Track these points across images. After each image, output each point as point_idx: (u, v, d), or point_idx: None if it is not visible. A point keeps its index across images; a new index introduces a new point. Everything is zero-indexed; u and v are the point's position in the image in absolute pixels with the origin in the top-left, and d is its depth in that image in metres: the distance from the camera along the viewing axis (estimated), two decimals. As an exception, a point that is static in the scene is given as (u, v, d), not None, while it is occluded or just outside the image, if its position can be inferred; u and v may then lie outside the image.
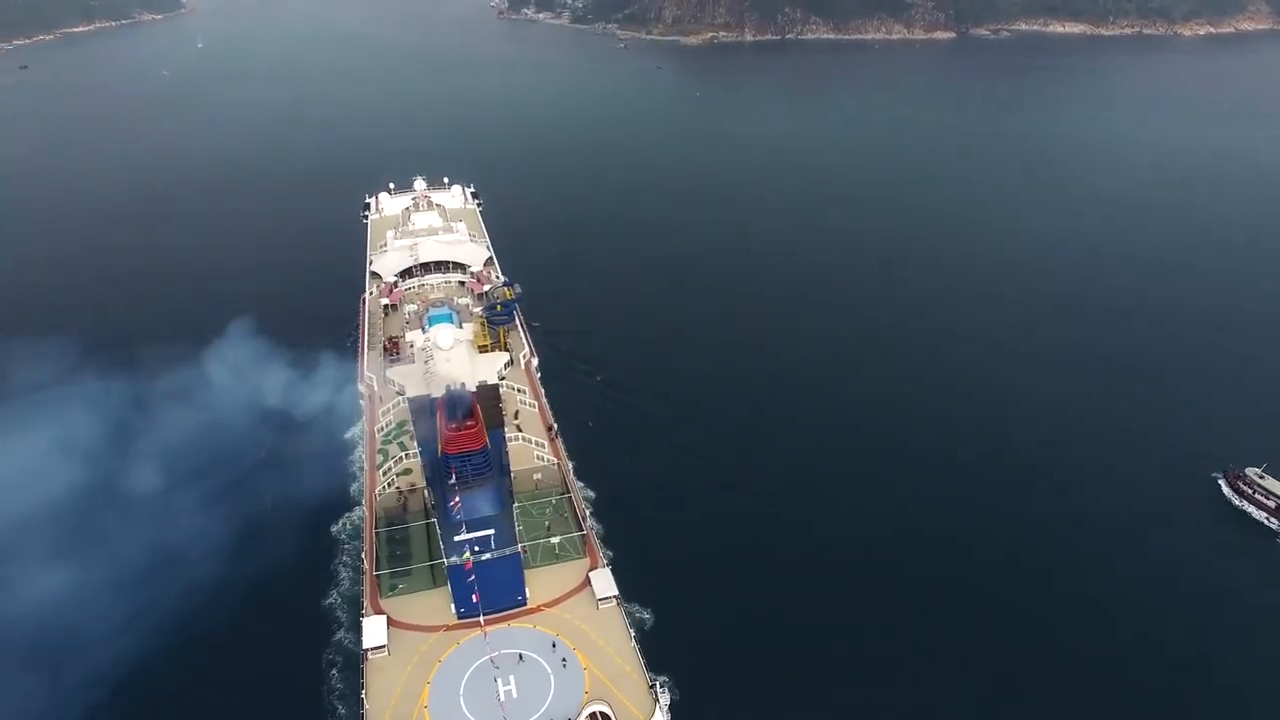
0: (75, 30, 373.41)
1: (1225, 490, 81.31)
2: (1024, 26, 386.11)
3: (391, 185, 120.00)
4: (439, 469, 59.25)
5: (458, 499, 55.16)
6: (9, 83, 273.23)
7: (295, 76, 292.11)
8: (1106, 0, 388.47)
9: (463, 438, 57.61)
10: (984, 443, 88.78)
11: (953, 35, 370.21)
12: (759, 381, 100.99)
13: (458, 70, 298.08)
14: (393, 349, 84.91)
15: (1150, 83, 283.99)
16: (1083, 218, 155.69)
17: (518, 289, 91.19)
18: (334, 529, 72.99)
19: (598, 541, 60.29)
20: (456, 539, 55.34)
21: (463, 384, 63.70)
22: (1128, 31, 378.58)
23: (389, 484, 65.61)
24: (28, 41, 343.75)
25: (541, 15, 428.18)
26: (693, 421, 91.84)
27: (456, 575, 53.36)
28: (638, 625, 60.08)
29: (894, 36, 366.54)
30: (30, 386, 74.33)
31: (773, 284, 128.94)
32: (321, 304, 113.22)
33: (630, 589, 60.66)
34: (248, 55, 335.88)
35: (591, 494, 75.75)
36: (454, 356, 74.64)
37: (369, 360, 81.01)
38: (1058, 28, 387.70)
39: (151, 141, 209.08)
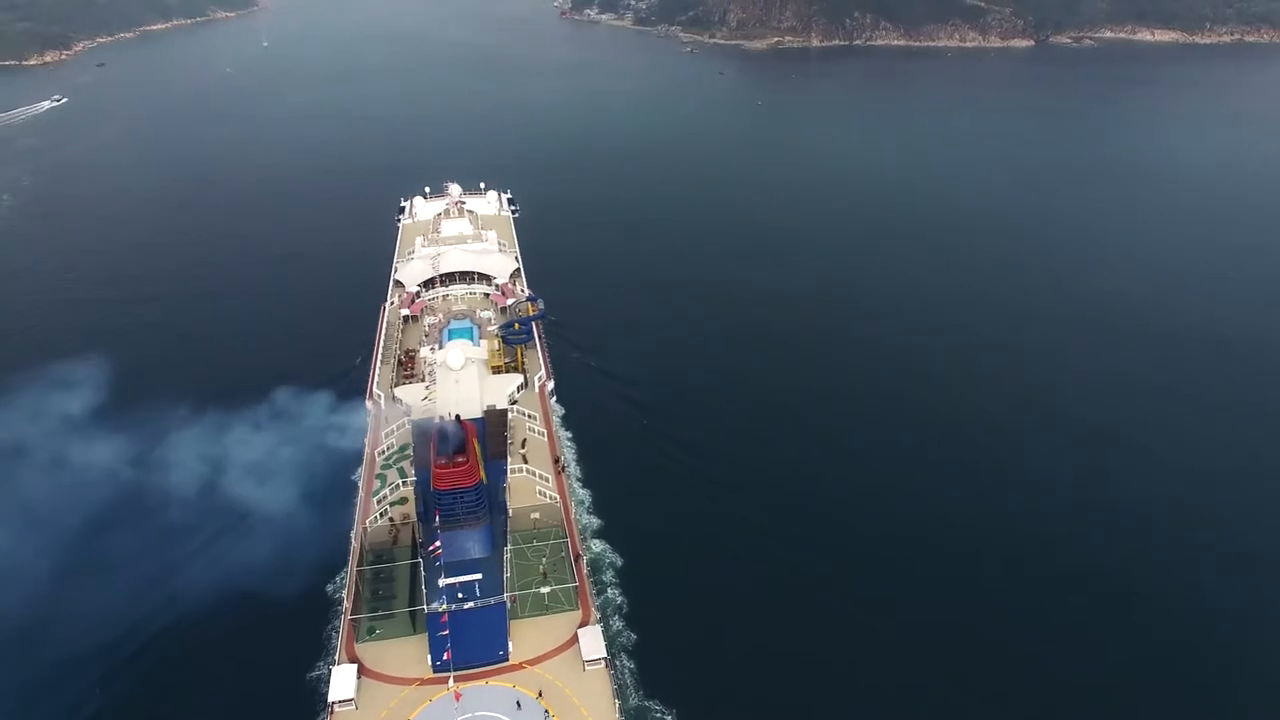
0: (153, 28, 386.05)
1: None
2: (1109, 34, 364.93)
3: (427, 189, 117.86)
4: (431, 504, 55.40)
5: (437, 543, 51.04)
6: (86, 80, 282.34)
7: (352, 75, 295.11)
8: (1203, 5, 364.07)
9: (454, 474, 53.56)
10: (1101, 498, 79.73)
11: (1031, 43, 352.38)
12: (824, 434, 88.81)
13: (514, 72, 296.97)
14: (408, 363, 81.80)
15: (1256, 99, 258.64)
16: (1181, 256, 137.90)
17: (540, 305, 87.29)
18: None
19: (593, 593, 55.52)
20: (441, 583, 51.37)
21: (456, 416, 59.52)
22: (1226, 39, 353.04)
23: (382, 513, 62.02)
24: (109, 39, 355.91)
25: (604, 16, 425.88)
26: (746, 475, 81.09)
27: (435, 624, 49.41)
28: (625, 695, 54.30)
29: (968, 44, 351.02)
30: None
31: (837, 309, 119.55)
32: (352, 312, 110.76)
33: (627, 653, 56.76)
34: (309, 53, 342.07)
35: (613, 553, 69.00)
36: (463, 378, 70.50)
37: (380, 375, 78.04)
38: (1147, 36, 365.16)
39: (205, 138, 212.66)
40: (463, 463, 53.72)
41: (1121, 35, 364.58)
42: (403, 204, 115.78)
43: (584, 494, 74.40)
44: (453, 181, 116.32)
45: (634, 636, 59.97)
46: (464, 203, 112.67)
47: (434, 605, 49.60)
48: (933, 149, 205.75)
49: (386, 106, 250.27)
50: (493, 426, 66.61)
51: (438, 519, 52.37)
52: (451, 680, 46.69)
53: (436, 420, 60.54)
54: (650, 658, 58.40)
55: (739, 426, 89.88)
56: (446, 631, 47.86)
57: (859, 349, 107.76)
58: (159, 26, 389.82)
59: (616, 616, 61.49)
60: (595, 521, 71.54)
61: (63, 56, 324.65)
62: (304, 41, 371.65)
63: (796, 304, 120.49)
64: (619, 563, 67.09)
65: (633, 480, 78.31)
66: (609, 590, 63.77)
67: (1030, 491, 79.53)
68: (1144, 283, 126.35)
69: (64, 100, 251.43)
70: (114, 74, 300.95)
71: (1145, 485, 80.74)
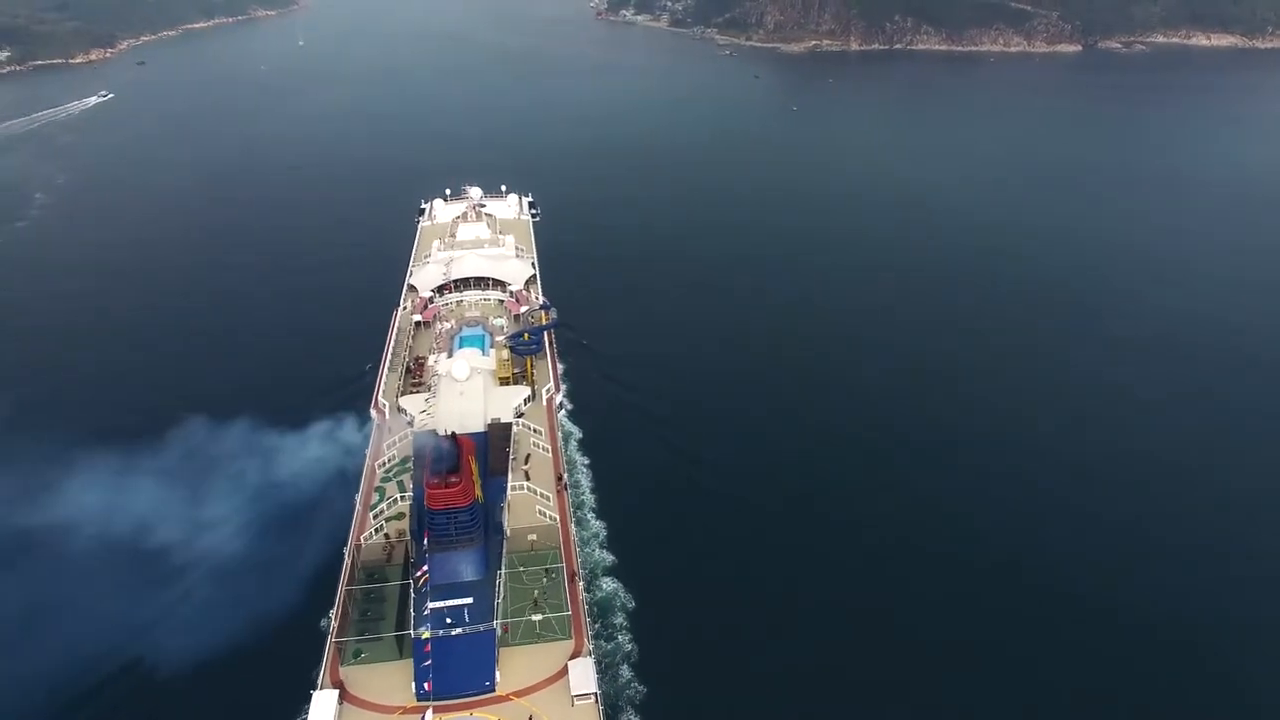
0: (195, 27, 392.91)
1: None
2: (1162, 39, 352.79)
3: (448, 191, 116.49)
4: (424, 522, 53.35)
5: (425, 569, 48.92)
6: (127, 79, 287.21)
7: (384, 74, 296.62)
8: (1265, 8, 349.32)
9: (447, 494, 51.43)
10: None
11: (1078, 48, 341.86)
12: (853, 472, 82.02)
13: (546, 74, 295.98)
14: (417, 371, 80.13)
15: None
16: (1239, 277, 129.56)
17: (553, 314, 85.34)
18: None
19: (587, 622, 52.89)
20: (429, 606, 49.41)
21: (451, 433, 57.32)
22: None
23: (378, 529, 60.21)
24: (152, 37, 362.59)
25: (640, 17, 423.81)
26: (786, 512, 74.50)
27: (420, 650, 47.45)
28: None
29: (1012, 49, 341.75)
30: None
31: (870, 327, 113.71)
32: (369, 315, 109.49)
33: (634, 707, 54.36)
34: (344, 53, 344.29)
35: (625, 594, 63.99)
36: (468, 389, 68.69)
37: (386, 383, 76.41)
38: (1202, 40, 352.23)
39: (233, 136, 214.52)
40: (456, 482, 51.49)
41: (1175, 40, 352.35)
42: (423, 206, 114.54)
43: (597, 526, 70.49)
44: (474, 184, 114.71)
45: (642, 690, 55.92)
46: (484, 206, 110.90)
47: (420, 630, 47.71)
48: (975, 159, 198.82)
49: (415, 105, 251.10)
50: (495, 441, 64.48)
51: (426, 540, 50.32)
52: (430, 713, 44.49)
53: (434, 435, 58.60)
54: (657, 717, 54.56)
55: (776, 451, 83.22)
56: (429, 662, 45.81)
57: (903, 368, 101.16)
58: (201, 25, 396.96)
59: (625, 665, 57.66)
60: (608, 558, 66.93)
61: (107, 55, 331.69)
62: (339, 40, 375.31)
63: (838, 317, 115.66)
64: (631, 605, 62.38)
65: (653, 513, 72.96)
66: (618, 636, 59.89)
67: (1103, 527, 74.81)
68: (1208, 300, 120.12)
69: (110, 96, 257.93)
70: (152, 72, 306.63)
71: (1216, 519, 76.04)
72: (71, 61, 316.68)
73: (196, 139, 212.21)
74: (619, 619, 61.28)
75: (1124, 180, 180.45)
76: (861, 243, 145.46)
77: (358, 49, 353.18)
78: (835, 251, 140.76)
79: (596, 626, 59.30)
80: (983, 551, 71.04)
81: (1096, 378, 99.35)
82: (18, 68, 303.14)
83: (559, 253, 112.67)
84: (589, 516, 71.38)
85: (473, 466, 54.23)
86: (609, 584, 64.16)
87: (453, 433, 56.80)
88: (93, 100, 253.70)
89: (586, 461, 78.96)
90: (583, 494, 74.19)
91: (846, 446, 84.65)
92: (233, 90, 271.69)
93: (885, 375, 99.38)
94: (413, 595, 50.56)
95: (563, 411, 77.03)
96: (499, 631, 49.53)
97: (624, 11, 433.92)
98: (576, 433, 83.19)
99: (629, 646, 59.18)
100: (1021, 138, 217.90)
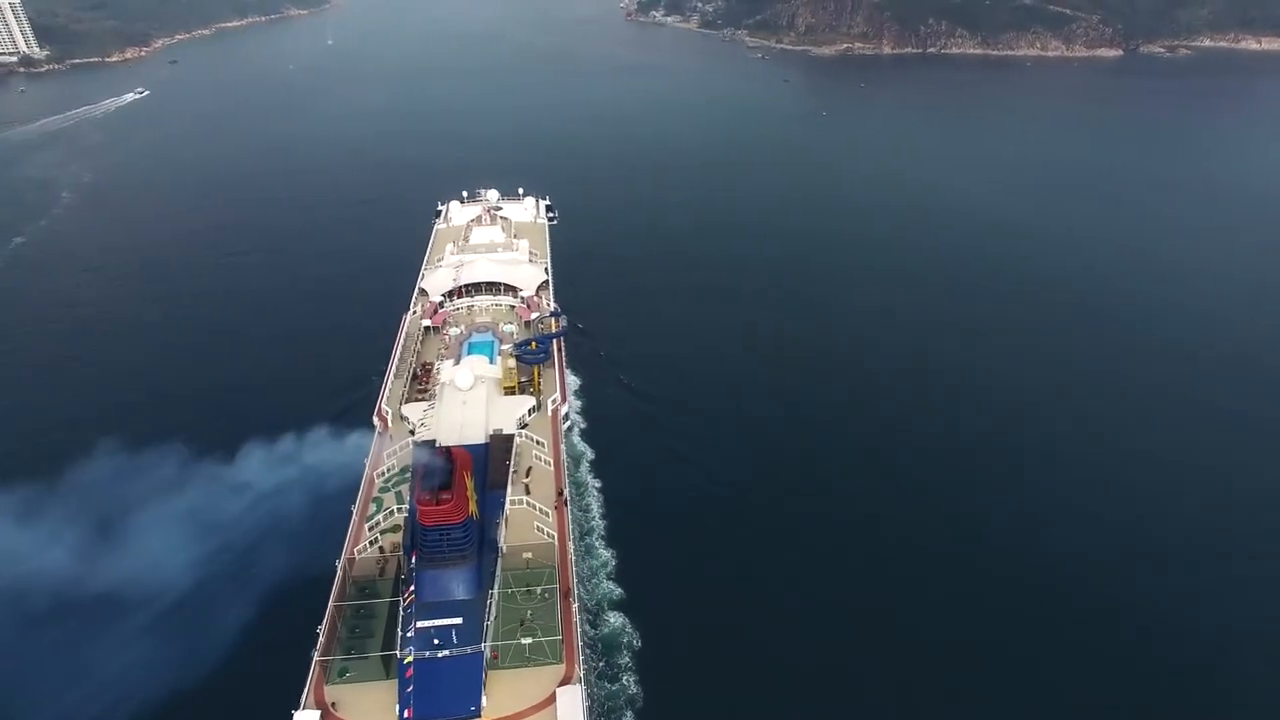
0: (229, 25, 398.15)
1: None
2: (1209, 43, 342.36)
3: (464, 193, 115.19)
4: (418, 538, 51.52)
5: (411, 589, 47.07)
6: (160, 78, 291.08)
7: (411, 73, 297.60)
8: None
9: (438, 511, 49.53)
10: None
11: (1119, 53, 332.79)
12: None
13: (574, 74, 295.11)
14: (423, 377, 78.53)
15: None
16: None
17: (563, 321, 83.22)
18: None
19: (580, 646, 50.62)
20: (418, 625, 47.57)
21: (446, 449, 55.32)
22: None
23: (372, 541, 58.51)
24: (186, 36, 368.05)
25: (670, 19, 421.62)
26: (811, 552, 69.39)
27: (404, 672, 45.64)
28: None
29: (1049, 54, 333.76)
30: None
31: (883, 330, 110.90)
32: (382, 319, 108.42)
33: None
34: (372, 52, 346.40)
35: (632, 630, 60.42)
36: (470, 399, 66.87)
37: (391, 390, 74.86)
38: (1252, 44, 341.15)
39: (259, 135, 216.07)
40: (448, 499, 49.54)
41: (1223, 44, 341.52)
42: (440, 207, 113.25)
43: (606, 555, 67.47)
44: (492, 186, 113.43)
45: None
46: (500, 209, 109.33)
47: (404, 653, 45.89)
48: (1009, 167, 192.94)
49: (440, 105, 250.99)
50: (496, 454, 62.55)
51: (414, 558, 48.50)
52: None
53: (428, 448, 56.68)
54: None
55: (803, 475, 78.56)
56: (411, 688, 43.93)
57: (940, 391, 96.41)
58: (235, 24, 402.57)
59: (628, 713, 54.80)
60: (615, 590, 63.70)
61: (142, 53, 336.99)
62: (368, 39, 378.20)
63: (858, 322, 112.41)
64: (637, 643, 59.01)
65: (666, 543, 68.97)
66: (623, 677, 56.93)
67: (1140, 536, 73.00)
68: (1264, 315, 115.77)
69: (146, 93, 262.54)
70: (182, 71, 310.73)
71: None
72: (108, 60, 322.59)
73: (220, 139, 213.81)
74: (624, 658, 58.08)
75: (1159, 186, 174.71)
76: (890, 249, 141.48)
77: (386, 48, 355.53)
78: (860, 256, 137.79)
79: (600, 665, 56.62)
80: (985, 552, 70.13)
81: (1113, 381, 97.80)
82: (56, 66, 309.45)
83: (576, 257, 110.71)
84: (597, 544, 68.49)
85: (467, 482, 52.27)
86: (615, 619, 60.97)
87: (446, 447, 54.80)
88: (129, 97, 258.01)
89: (598, 485, 75.92)
90: (592, 519, 71.34)
91: (900, 477, 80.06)
92: (259, 90, 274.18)
93: (927, 387, 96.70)
94: (400, 612, 48.83)
95: (575, 429, 74.73)
96: (487, 654, 47.51)
97: (654, 12, 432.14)
98: (589, 453, 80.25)
99: (633, 689, 56.07)
100: (1058, 145, 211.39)
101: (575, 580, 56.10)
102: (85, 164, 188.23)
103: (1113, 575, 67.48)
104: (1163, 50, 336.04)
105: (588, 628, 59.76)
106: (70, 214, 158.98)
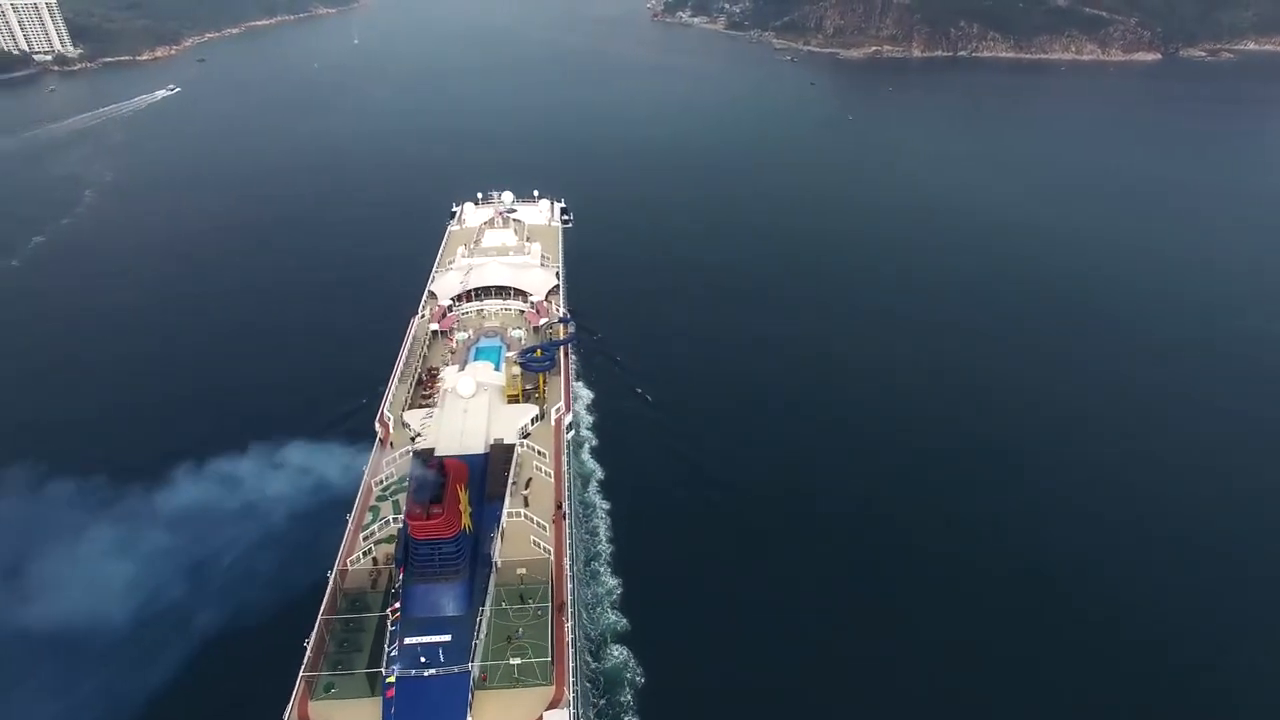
0: (258, 24, 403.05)
1: None
2: (1252, 46, 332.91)
3: (479, 195, 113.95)
4: (409, 551, 49.89)
5: (396, 605, 45.42)
6: (188, 76, 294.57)
7: (435, 73, 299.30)
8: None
9: (429, 526, 47.84)
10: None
11: (1157, 57, 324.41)
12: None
13: (598, 74, 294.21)
14: (428, 383, 77.07)
15: None
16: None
17: (571, 328, 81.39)
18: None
19: (571, 668, 48.63)
20: (405, 641, 45.89)
21: (439, 460, 53.68)
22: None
23: (366, 552, 57.00)
24: (216, 35, 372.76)
25: (696, 20, 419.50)
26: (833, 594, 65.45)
27: (385, 693, 43.99)
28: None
29: (1084, 57, 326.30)
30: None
31: (927, 354, 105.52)
32: (393, 322, 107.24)
33: None
34: (397, 51, 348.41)
35: (636, 665, 57.46)
36: (472, 407, 65.18)
37: (394, 395, 73.46)
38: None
39: (282, 132, 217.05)
40: (438, 513, 47.80)
41: (1267, 48, 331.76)
42: (454, 209, 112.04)
43: (612, 583, 64.40)
44: (507, 187, 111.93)
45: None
46: (514, 211, 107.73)
47: (389, 670, 44.22)
48: (1037, 173, 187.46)
49: (460, 104, 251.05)
50: (495, 464, 60.60)
51: (401, 574, 46.87)
52: None
53: (421, 460, 55.03)
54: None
55: (824, 499, 75.03)
56: (394, 709, 42.27)
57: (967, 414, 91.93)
58: (264, 23, 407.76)
59: None
60: (620, 621, 60.53)
61: (172, 51, 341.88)
62: (394, 38, 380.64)
63: (903, 342, 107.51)
64: (641, 680, 55.90)
65: (676, 570, 65.42)
66: (624, 717, 54.24)
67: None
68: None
69: (177, 90, 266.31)
70: (212, 70, 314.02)
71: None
72: (138, 59, 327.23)
73: (241, 137, 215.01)
74: (626, 695, 55.21)
75: (1191, 192, 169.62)
76: (913, 254, 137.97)
77: (411, 47, 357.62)
78: (880, 260, 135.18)
79: (601, 703, 53.89)
80: (986, 552, 69.93)
81: (1113, 380, 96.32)
82: (88, 65, 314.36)
83: (590, 261, 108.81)
84: (602, 570, 65.54)
85: (460, 495, 50.48)
86: (618, 652, 57.94)
87: (440, 459, 53.10)
88: (160, 94, 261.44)
89: (606, 506, 72.93)
90: (599, 543, 68.48)
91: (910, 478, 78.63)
92: (283, 87, 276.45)
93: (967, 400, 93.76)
94: (389, 628, 47.21)
95: (585, 446, 72.57)
96: (475, 675, 45.72)
97: (680, 13, 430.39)
98: (599, 472, 77.50)
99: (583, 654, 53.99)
100: (1091, 151, 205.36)
101: (571, 598, 54.14)
102: (109, 163, 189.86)
103: (1113, 575, 67.29)
104: (1204, 54, 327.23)
105: (589, 659, 57.00)
106: (91, 213, 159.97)
